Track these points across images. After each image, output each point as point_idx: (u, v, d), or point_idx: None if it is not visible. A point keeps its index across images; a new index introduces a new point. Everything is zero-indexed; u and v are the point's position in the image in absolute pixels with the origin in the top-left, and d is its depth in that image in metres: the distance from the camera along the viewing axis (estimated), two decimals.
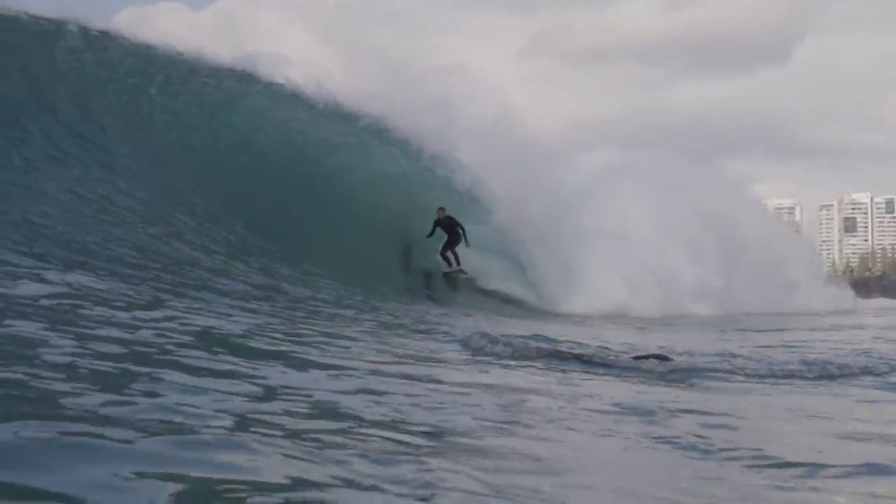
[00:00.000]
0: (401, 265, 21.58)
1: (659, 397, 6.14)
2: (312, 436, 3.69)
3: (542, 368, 7.47)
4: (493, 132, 25.14)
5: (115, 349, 5.30)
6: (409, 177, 23.39)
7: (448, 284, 22.27)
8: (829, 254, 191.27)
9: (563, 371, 7.40)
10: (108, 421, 3.45)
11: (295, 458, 3.24)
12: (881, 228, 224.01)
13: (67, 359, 4.72)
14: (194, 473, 2.87)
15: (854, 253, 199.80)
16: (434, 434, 4.19)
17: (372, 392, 5.15)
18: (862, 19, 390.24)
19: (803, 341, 12.00)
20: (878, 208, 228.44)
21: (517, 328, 12.56)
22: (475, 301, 20.78)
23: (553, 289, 23.36)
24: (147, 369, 4.68)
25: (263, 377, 5.17)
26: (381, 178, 22.56)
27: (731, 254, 29.13)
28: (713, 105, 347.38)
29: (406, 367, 6.65)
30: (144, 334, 6.21)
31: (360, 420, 4.25)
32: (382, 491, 2.98)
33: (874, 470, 3.96)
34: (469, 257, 22.54)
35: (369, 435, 3.89)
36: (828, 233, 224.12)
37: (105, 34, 20.61)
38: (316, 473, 3.09)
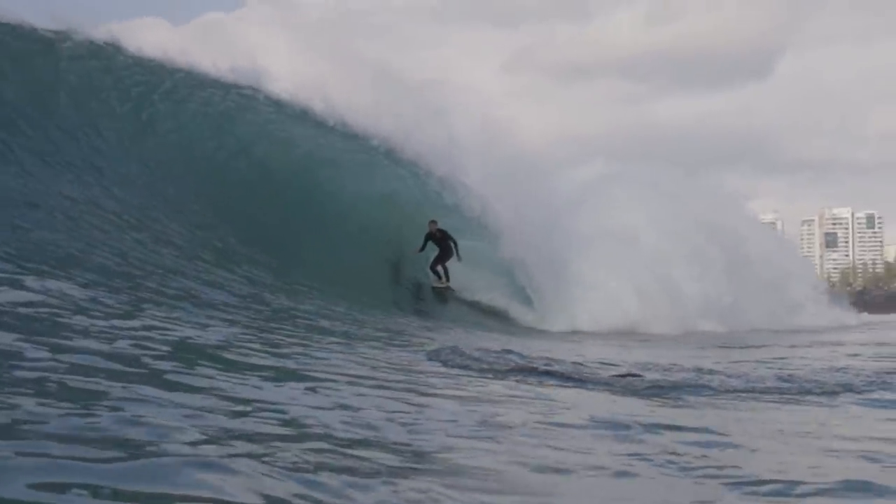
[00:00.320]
0: (391, 279, 21.25)
1: (633, 411, 6.10)
2: (281, 454, 3.62)
3: (514, 383, 7.42)
4: (487, 145, 24.68)
5: (88, 361, 5.23)
6: (415, 198, 23.11)
7: (437, 299, 21.87)
8: None
9: (535, 386, 7.35)
10: (69, 439, 3.38)
11: (263, 476, 3.19)
12: (862, 243, 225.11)
13: (37, 373, 4.64)
14: (156, 493, 2.81)
15: (835, 268, 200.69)
16: (407, 452, 4.13)
17: (346, 407, 5.10)
18: (843, 34, 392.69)
19: (782, 358, 11.96)
20: (858, 223, 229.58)
21: (496, 343, 12.51)
22: (464, 316, 20.40)
23: (551, 305, 22.46)
24: (118, 384, 4.61)
25: (237, 391, 5.11)
26: (382, 197, 22.44)
27: (735, 268, 28.32)
28: (696, 120, 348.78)
29: (382, 381, 6.58)
30: (121, 345, 6.13)
31: (332, 438, 4.18)
32: None
33: (851, 486, 3.94)
34: (463, 272, 22.11)
35: (341, 453, 3.84)
36: (809, 248, 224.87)
37: (110, 45, 20.65)
38: (283, 492, 3.03)
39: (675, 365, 9.70)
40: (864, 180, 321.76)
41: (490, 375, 7.81)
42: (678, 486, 3.92)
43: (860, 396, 7.60)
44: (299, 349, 7.80)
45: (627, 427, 5.34)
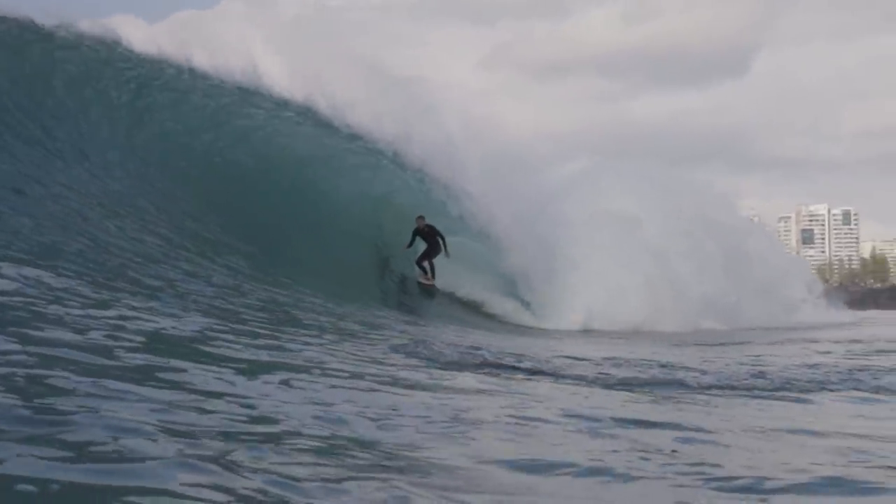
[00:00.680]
0: (376, 274, 20.94)
1: (604, 406, 6.08)
2: (247, 451, 3.56)
3: (484, 377, 7.40)
4: (474, 141, 24.19)
5: (59, 353, 5.15)
6: (409, 197, 22.78)
7: (423, 294, 21.49)
8: None
9: (505, 380, 7.34)
10: (29, 436, 3.31)
11: (227, 474, 3.13)
12: (838, 240, 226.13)
13: (4, 368, 4.54)
14: (112, 489, 2.75)
15: (812, 265, 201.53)
16: (377, 450, 4.08)
17: (318, 402, 5.04)
18: (818, 32, 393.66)
19: (758, 355, 11.96)
20: (835, 220, 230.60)
21: (475, 339, 12.49)
22: (448, 312, 20.06)
23: (550, 303, 21.80)
24: (87, 378, 4.52)
25: (209, 385, 5.05)
26: (375, 195, 22.38)
27: (733, 266, 27.59)
28: (672, 118, 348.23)
29: (355, 375, 6.53)
30: (94, 336, 6.06)
31: (301, 434, 4.12)
32: None
33: (820, 482, 3.95)
34: (452, 268, 21.66)
35: (310, 450, 3.79)
36: (786, 244, 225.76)
37: (104, 39, 20.54)
38: (247, 491, 2.98)
39: (647, 361, 9.70)
40: (840, 177, 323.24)
41: (460, 369, 7.78)
42: (651, 484, 3.88)
43: (833, 393, 7.61)
44: (274, 341, 7.73)
45: (598, 421, 5.33)
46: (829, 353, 12.81)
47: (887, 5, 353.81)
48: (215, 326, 7.93)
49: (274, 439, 3.90)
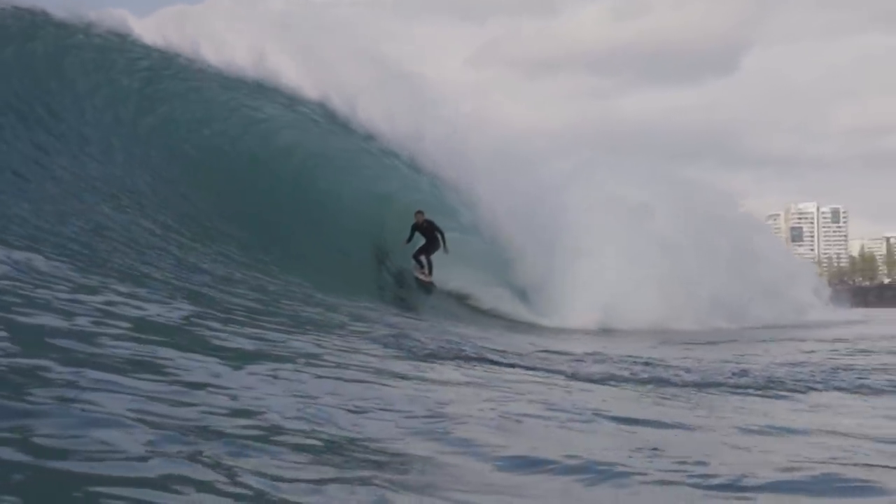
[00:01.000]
0: (373, 267, 20.66)
1: (583, 399, 6.07)
2: (224, 447, 3.51)
3: (468, 370, 7.38)
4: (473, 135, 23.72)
5: (43, 340, 5.11)
6: (411, 194, 22.43)
7: (420, 289, 21.11)
8: None
9: (488, 372, 7.33)
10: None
11: (202, 468, 3.09)
12: (827, 238, 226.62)
13: None
14: (82, 481, 2.72)
15: None
16: (359, 446, 4.04)
17: (300, 394, 5.00)
18: (808, 31, 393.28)
19: (742, 354, 11.94)
20: (824, 218, 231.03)
21: (473, 333, 12.47)
22: (442, 307, 19.85)
23: (557, 301, 21.11)
24: (69, 368, 4.45)
25: (192, 375, 4.99)
26: (378, 191, 22.14)
27: (743, 265, 26.99)
28: (662, 115, 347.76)
29: (341, 366, 6.49)
30: (80, 322, 6.00)
31: (281, 428, 4.08)
32: None
33: (807, 481, 3.95)
34: (455, 266, 21.16)
35: (289, 444, 3.75)
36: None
37: (122, 33, 20.43)
38: (220, 487, 2.94)
39: (630, 357, 9.69)
40: (829, 175, 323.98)
41: (442, 362, 7.76)
42: (634, 482, 3.86)
43: (814, 391, 7.61)
44: (261, 331, 7.66)
45: (580, 415, 5.32)
46: (813, 351, 12.83)
47: (876, 4, 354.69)
48: (203, 315, 7.85)
49: (253, 434, 3.85)
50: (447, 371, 7.31)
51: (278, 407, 4.50)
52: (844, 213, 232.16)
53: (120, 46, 20.33)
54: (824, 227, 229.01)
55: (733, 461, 4.36)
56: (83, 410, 3.63)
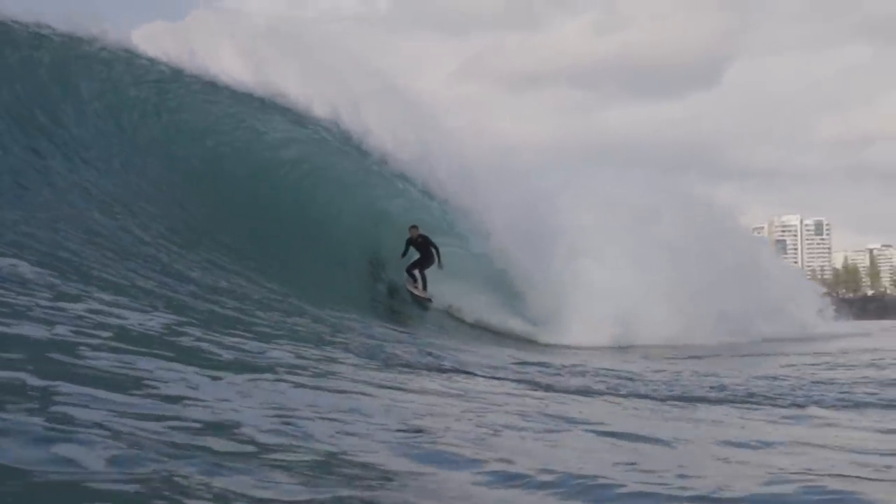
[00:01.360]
0: (369, 281, 20.39)
1: (560, 412, 6.03)
2: (193, 464, 3.43)
3: (447, 381, 7.34)
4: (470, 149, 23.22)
5: (20, 349, 5.03)
6: (407, 212, 22.04)
7: (415, 304, 20.79)
8: None
9: (461, 383, 7.28)
10: None
11: (172, 486, 3.02)
12: (810, 250, 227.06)
13: None
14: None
15: None
16: (335, 458, 3.97)
17: (277, 406, 4.93)
18: (790, 43, 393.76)
19: (718, 369, 11.87)
20: (807, 230, 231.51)
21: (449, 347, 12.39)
22: (433, 319, 19.69)
23: (549, 317, 20.43)
24: (43, 381, 4.36)
25: (170, 387, 4.92)
26: (373, 207, 21.89)
27: (747, 279, 26.03)
28: (645, 128, 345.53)
29: (318, 376, 6.43)
30: (60, 331, 5.93)
31: (256, 443, 4.01)
32: None
33: (771, 498, 3.87)
34: (451, 283, 20.73)
35: (263, 461, 3.68)
36: None
37: (126, 49, 20.30)
38: None
39: (609, 370, 9.66)
40: (812, 187, 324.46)
41: (421, 374, 7.70)
42: (610, 494, 3.81)
43: (782, 407, 7.56)
44: (242, 341, 7.58)
45: (557, 426, 5.28)
46: (791, 365, 12.80)
47: (858, 16, 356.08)
48: (185, 324, 7.75)
49: (225, 449, 3.77)
50: (425, 382, 7.26)
51: (254, 420, 4.44)
52: (827, 225, 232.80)
53: (122, 59, 20.15)
54: (808, 239, 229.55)
55: (711, 473, 4.34)
56: (49, 424, 3.54)
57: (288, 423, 4.50)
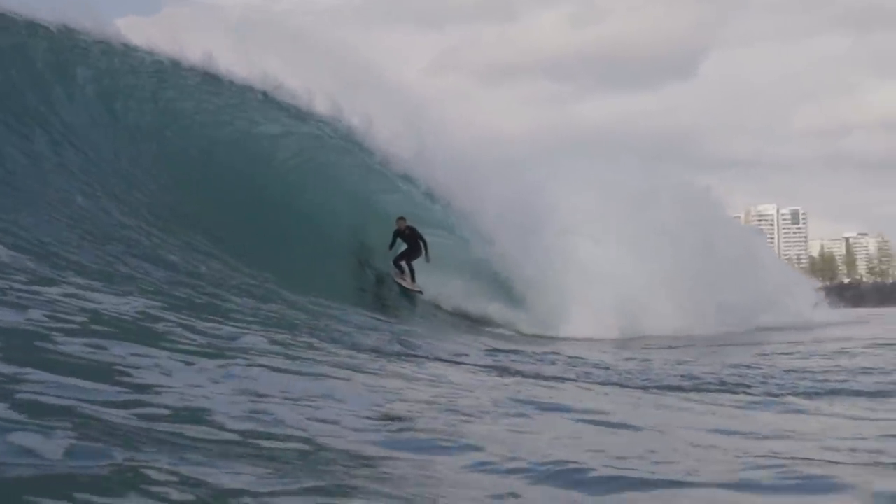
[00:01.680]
0: (356, 271, 20.17)
1: (530, 396, 6.02)
2: (157, 451, 3.36)
3: (421, 367, 7.31)
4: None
5: None
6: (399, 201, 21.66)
7: (403, 295, 20.40)
8: None
9: (435, 370, 7.26)
10: None
11: (128, 478, 2.95)
12: (787, 239, 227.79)
13: None
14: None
15: None
16: (306, 444, 3.93)
17: (249, 392, 4.89)
18: (766, 34, 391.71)
19: (694, 358, 11.89)
20: (783, 219, 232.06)
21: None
22: (420, 310, 19.47)
23: (548, 310, 19.82)
24: (11, 367, 4.30)
25: (141, 374, 4.86)
26: (360, 198, 21.62)
27: (742, 268, 25.59)
28: (621, 120, 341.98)
29: (290, 362, 6.36)
30: (33, 315, 5.87)
31: (223, 429, 3.96)
32: None
33: (738, 484, 3.84)
34: (445, 273, 20.44)
35: (231, 451, 3.63)
36: None
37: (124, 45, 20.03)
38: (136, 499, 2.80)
39: (581, 358, 9.67)
40: (788, 176, 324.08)
41: (395, 361, 7.67)
42: (580, 478, 3.79)
43: (750, 395, 7.57)
44: (217, 326, 7.52)
45: (526, 412, 5.27)
46: (764, 355, 12.83)
47: (834, 7, 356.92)
48: (161, 309, 7.66)
49: (195, 437, 3.72)
50: (397, 369, 7.23)
51: (224, 407, 4.38)
52: (804, 214, 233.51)
53: (116, 50, 19.83)
54: (784, 228, 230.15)
55: (680, 458, 4.34)
56: (11, 412, 3.48)
57: (259, 410, 4.46)
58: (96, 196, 13.66)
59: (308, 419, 4.46)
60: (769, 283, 28.22)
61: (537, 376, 7.53)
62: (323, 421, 4.48)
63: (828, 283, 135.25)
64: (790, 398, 7.39)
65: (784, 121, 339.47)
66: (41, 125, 15.18)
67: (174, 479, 3.01)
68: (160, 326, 6.79)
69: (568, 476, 3.79)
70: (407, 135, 22.03)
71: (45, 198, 12.18)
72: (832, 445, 4.90)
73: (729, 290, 23.48)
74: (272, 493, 3.05)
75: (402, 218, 20.26)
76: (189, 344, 6.28)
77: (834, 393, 7.82)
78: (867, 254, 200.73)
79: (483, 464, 3.95)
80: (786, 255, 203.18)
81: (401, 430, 4.56)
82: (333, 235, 19.90)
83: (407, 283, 20.52)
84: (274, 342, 7.25)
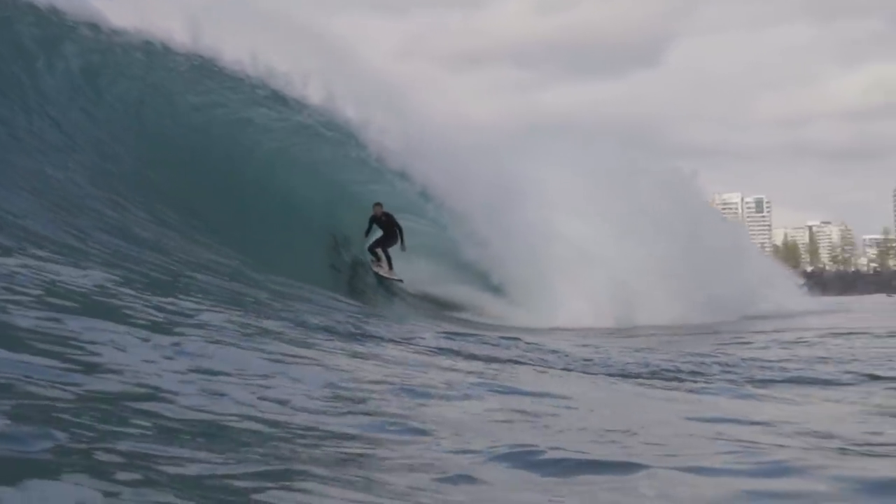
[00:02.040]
0: (324, 255, 19.53)
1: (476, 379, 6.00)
2: (112, 432, 3.28)
3: (370, 349, 7.27)
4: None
5: None
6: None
7: (379, 283, 19.97)
8: None
9: (393, 351, 7.23)
10: None
11: (54, 456, 2.87)
12: (751, 227, 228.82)
13: None
14: None
15: None
16: (256, 422, 3.87)
17: (200, 371, 4.81)
18: (732, 22, 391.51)
19: (649, 347, 11.87)
20: (748, 208, 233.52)
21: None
22: (392, 295, 19.27)
23: (530, 299, 19.06)
24: None
25: (93, 349, 4.76)
26: (350, 191, 20.99)
27: (727, 255, 24.97)
28: (586, 107, 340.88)
29: (245, 340, 6.27)
30: None
31: (173, 402, 3.90)
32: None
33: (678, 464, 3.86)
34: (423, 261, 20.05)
35: (178, 429, 3.56)
36: None
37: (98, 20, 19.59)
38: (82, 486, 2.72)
39: (539, 345, 9.64)
40: (752, 165, 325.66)
41: (351, 341, 7.60)
42: (533, 459, 3.77)
43: (707, 382, 7.57)
44: (177, 301, 7.37)
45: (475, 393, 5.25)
46: (723, 344, 12.86)
47: None
48: (121, 283, 7.48)
49: (143, 416, 3.63)
50: (353, 349, 7.15)
51: (175, 385, 4.31)
52: (768, 202, 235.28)
53: (103, 28, 19.37)
54: (749, 216, 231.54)
55: (631, 442, 4.33)
56: None
57: (211, 388, 4.40)
58: (66, 168, 13.41)
59: (260, 398, 4.40)
60: (755, 275, 27.96)
61: (493, 360, 7.50)
62: (274, 400, 4.43)
63: (792, 272, 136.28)
64: (747, 386, 7.41)
65: (748, 109, 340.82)
66: (19, 96, 14.87)
67: (119, 459, 2.95)
68: (118, 301, 6.66)
69: (520, 458, 3.79)
70: (392, 122, 21.09)
71: (12, 167, 11.94)
72: (784, 431, 4.92)
73: (719, 280, 22.91)
74: (220, 475, 3.00)
75: (378, 204, 19.72)
76: (146, 319, 6.18)
77: (791, 381, 7.84)
78: (830, 242, 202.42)
79: (434, 445, 3.92)
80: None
81: (351, 410, 4.51)
82: (310, 218, 19.51)
83: (385, 272, 20.00)
84: (231, 320, 7.14)
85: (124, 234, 11.48)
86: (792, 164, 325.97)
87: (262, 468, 3.18)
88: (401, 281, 20.01)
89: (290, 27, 21.34)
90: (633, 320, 19.09)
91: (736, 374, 8.15)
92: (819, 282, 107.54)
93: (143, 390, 4.13)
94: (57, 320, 5.26)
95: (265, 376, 4.99)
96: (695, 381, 7.51)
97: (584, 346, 10.76)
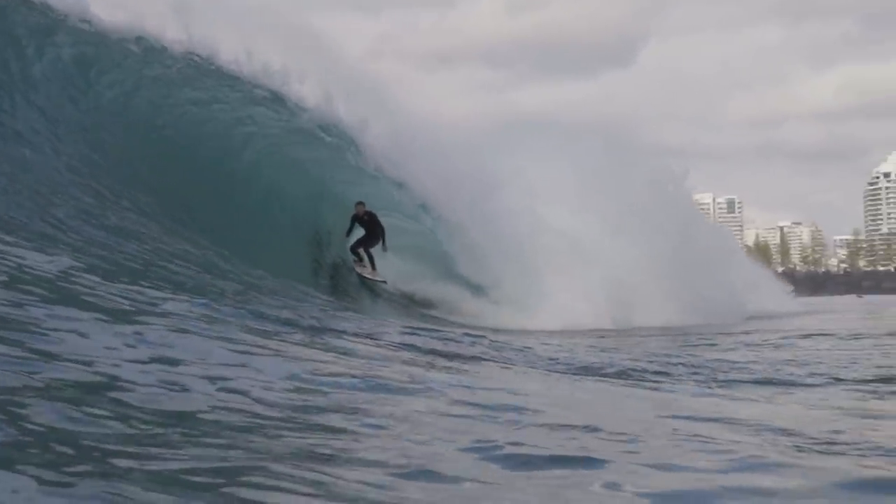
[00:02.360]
0: (304, 250, 19.31)
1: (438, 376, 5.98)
2: (64, 425, 3.20)
3: (337, 343, 7.23)
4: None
5: None
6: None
7: (361, 283, 19.69)
8: None
9: (356, 344, 7.19)
10: None
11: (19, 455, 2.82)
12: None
13: None
14: None
15: None
16: (217, 415, 3.82)
17: (162, 361, 4.74)
18: (704, 23, 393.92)
19: (616, 347, 11.86)
20: (720, 208, 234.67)
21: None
22: (368, 294, 19.00)
23: (517, 300, 18.58)
24: None
25: (55, 336, 4.68)
26: (332, 190, 20.79)
27: (714, 256, 24.72)
28: (558, 107, 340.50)
29: (209, 329, 6.21)
30: None
31: (132, 389, 3.82)
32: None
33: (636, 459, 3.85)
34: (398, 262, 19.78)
35: (134, 413, 3.50)
36: None
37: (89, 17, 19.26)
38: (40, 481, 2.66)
39: (505, 344, 9.63)
40: (724, 166, 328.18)
41: (317, 336, 7.56)
42: (500, 454, 3.74)
43: (672, 381, 7.58)
44: (143, 289, 7.31)
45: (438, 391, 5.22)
46: (687, 344, 12.86)
47: None
48: (87, 270, 7.37)
49: (98, 406, 3.56)
50: (315, 342, 7.10)
51: (134, 374, 4.24)
52: (739, 203, 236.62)
53: (95, 22, 19.13)
54: (720, 217, 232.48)
55: (589, 439, 4.30)
56: None
57: (169, 379, 4.33)
58: (45, 153, 13.26)
59: (219, 389, 4.35)
60: (743, 277, 27.97)
61: (455, 357, 7.48)
62: (234, 391, 4.37)
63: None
64: (711, 385, 7.42)
65: (720, 110, 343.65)
66: (6, 83, 14.66)
67: (71, 451, 2.88)
68: (84, 288, 6.57)
69: (480, 452, 3.75)
70: (383, 120, 20.89)
71: None
72: (745, 429, 4.92)
73: (710, 281, 22.71)
74: (178, 468, 2.94)
75: (360, 203, 19.39)
76: (110, 306, 6.10)
77: (756, 383, 7.86)
78: (801, 243, 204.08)
79: (391, 440, 3.88)
80: None
81: (312, 403, 4.47)
82: (292, 214, 19.41)
83: (368, 273, 19.68)
84: (196, 310, 7.06)
85: (101, 223, 11.38)
86: (763, 164, 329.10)
87: (221, 462, 3.12)
88: (384, 282, 19.71)
89: (278, 23, 21.12)
90: (631, 321, 18.73)
91: (701, 374, 8.17)
92: (790, 283, 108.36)
93: (102, 379, 4.07)
94: (18, 305, 5.18)
95: (226, 366, 4.93)
96: (659, 381, 7.50)
97: (549, 344, 10.74)
